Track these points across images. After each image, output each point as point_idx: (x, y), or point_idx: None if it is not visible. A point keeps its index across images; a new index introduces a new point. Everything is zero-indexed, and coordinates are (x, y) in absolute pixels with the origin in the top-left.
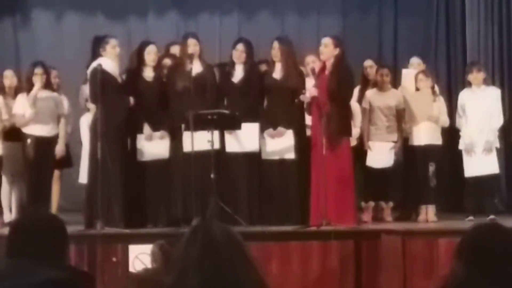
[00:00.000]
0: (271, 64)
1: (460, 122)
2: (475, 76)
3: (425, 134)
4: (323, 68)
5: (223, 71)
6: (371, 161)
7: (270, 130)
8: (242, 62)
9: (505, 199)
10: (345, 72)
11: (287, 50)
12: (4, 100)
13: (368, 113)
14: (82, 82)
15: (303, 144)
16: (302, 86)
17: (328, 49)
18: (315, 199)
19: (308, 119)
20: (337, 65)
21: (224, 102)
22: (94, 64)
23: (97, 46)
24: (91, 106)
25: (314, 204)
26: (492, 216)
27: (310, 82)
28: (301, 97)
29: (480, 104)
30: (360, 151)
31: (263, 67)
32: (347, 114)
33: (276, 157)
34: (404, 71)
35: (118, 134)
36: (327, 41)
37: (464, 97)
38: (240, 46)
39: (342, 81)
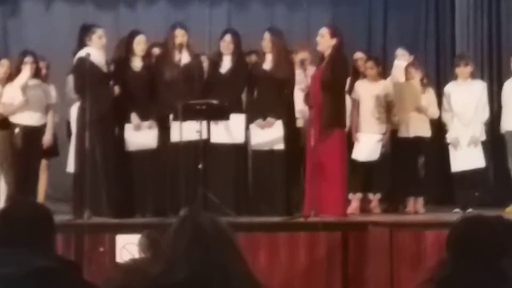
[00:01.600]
0: (261, 55)
1: (446, 116)
2: (462, 70)
3: (414, 126)
4: (322, 59)
5: (211, 62)
6: (357, 154)
7: (260, 121)
8: (230, 53)
9: (492, 191)
10: (339, 62)
11: (278, 42)
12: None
13: (357, 104)
14: (69, 72)
15: (292, 134)
16: (292, 77)
17: (324, 39)
18: (309, 190)
19: (299, 110)
20: (333, 56)
21: (212, 92)
22: (80, 54)
23: (83, 35)
24: None
25: (308, 195)
26: (470, 210)
27: (300, 74)
28: (299, 88)
29: (465, 98)
30: (348, 142)
31: (253, 58)
32: (341, 105)
33: (266, 148)
34: (396, 62)
35: (103, 124)
36: (323, 31)
37: (450, 90)
38: (228, 37)
39: (335, 71)
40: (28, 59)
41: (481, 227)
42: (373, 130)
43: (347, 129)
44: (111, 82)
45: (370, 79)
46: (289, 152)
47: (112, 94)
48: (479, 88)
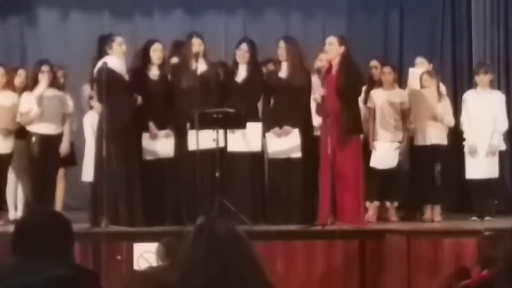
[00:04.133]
0: (277, 63)
1: (464, 124)
2: (481, 78)
3: (431, 134)
4: (329, 67)
5: (226, 70)
6: (375, 162)
7: (276, 129)
8: (246, 62)
9: (510, 199)
10: (352, 70)
11: (293, 50)
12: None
13: (373, 113)
14: (87, 81)
15: (309, 143)
16: (308, 85)
17: (333, 48)
18: (324, 198)
19: (315, 120)
20: (344, 63)
21: (228, 101)
22: (100, 63)
23: (103, 45)
24: (96, 105)
25: (322, 203)
26: (488, 218)
27: (316, 81)
28: (313, 98)
29: (484, 107)
30: (365, 151)
31: (271, 67)
32: (357, 112)
33: (282, 156)
34: (411, 70)
35: (124, 133)
36: (332, 40)
37: (468, 98)
38: (244, 46)
39: (350, 79)
40: (45, 68)
41: None
42: (389, 138)
43: (363, 137)
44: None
45: (386, 87)
46: (306, 160)
47: (135, 103)
48: (497, 98)
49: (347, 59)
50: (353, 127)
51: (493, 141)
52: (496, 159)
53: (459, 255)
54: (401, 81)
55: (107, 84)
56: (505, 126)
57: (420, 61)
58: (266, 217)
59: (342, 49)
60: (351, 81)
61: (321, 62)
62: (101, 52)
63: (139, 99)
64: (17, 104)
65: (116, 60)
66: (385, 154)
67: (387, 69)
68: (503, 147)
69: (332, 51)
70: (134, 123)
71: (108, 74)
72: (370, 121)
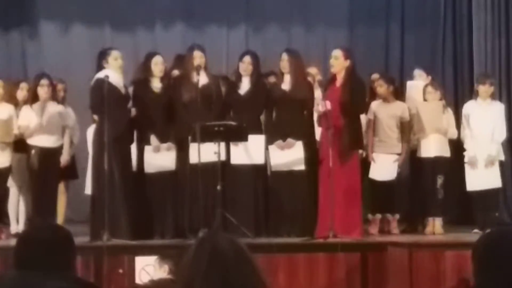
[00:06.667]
0: (279, 75)
1: (464, 135)
2: (486, 89)
3: (434, 146)
4: (333, 80)
5: (229, 83)
6: (374, 174)
7: (280, 142)
8: (249, 74)
9: None
10: (357, 84)
11: (296, 62)
12: (16, 111)
13: (372, 125)
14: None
15: (312, 155)
16: (311, 98)
17: (338, 61)
18: (323, 211)
19: (317, 132)
20: (349, 78)
21: (231, 114)
22: (98, 75)
23: (101, 59)
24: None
25: (322, 216)
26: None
27: (317, 94)
28: (315, 109)
29: (485, 118)
30: (365, 163)
31: (272, 79)
32: (359, 127)
33: (285, 169)
34: (409, 82)
35: (120, 145)
36: (337, 53)
37: (469, 109)
38: (247, 58)
39: (354, 94)
40: (44, 81)
41: (505, 239)
42: (388, 150)
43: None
44: (129, 104)
45: (385, 100)
46: (309, 173)
47: (128, 116)
48: (497, 109)
49: (352, 73)
50: (355, 143)
51: (491, 152)
52: (496, 169)
53: (461, 268)
54: (403, 93)
55: (104, 96)
56: (503, 136)
57: (418, 73)
58: (268, 230)
59: (347, 62)
60: (356, 96)
61: (311, 77)
62: (99, 67)
63: (133, 111)
64: (14, 116)
65: (111, 74)
66: (383, 166)
67: (379, 82)
68: (502, 157)
69: (338, 65)
70: (130, 135)
71: (105, 86)
72: (369, 133)
